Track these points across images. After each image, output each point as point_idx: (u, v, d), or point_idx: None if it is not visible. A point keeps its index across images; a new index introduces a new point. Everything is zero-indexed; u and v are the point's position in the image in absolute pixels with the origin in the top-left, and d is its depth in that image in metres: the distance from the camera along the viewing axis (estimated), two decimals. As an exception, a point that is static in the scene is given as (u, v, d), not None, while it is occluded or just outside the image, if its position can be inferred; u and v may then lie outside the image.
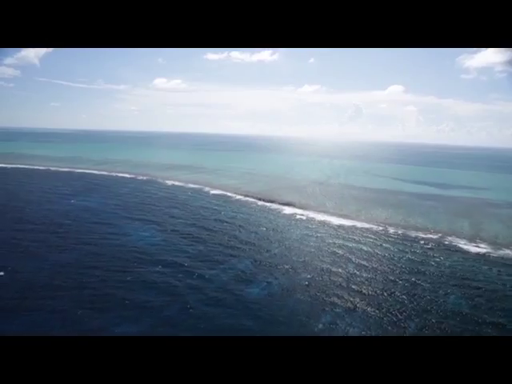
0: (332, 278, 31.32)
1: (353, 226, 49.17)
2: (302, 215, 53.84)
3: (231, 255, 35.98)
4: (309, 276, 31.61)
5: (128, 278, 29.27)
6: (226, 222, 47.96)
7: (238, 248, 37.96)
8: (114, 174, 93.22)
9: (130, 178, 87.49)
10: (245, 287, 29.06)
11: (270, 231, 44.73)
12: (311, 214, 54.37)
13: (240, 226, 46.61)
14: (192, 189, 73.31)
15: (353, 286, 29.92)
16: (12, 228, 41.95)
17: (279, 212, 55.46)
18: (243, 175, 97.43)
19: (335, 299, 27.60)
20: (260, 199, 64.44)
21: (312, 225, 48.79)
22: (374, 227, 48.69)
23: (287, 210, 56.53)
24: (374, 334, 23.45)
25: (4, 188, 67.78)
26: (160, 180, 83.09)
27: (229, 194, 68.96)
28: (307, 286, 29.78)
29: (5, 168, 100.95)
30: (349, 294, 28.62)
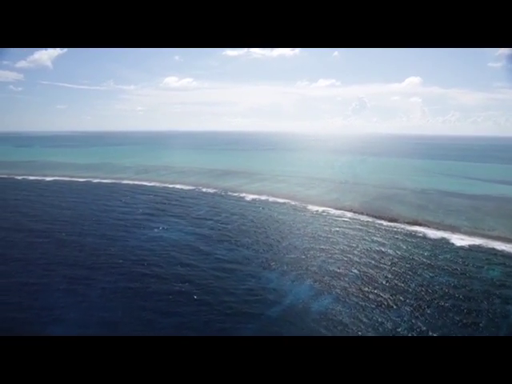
0: None
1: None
2: (459, 240, 42.84)
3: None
4: None
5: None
6: (405, 263, 36.16)
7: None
8: (168, 185, 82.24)
9: (191, 190, 76.53)
10: None
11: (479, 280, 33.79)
12: (467, 239, 43.28)
13: (429, 268, 35.61)
14: (281, 204, 62.25)
15: None
16: (157, 293, 29.14)
17: (425, 237, 44.36)
18: (314, 182, 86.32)
19: None
20: (376, 217, 53.47)
21: (494, 258, 37.80)
22: None
23: (431, 234, 45.42)
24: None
25: (72, 208, 56.74)
26: (233, 193, 71.95)
27: (331, 210, 57.95)
28: None
29: (42, 181, 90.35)
30: None
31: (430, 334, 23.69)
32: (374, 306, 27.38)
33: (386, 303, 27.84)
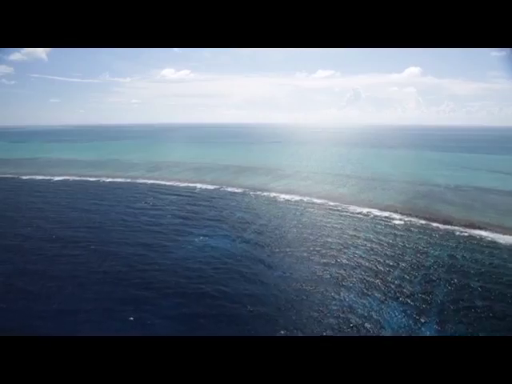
0: None
1: None
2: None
3: None
4: None
5: None
6: (491, 275, 31.69)
7: None
8: (189, 184, 77.64)
9: (216, 189, 72.17)
10: None
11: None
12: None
13: None
14: (319, 205, 58.28)
15: None
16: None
17: (495, 242, 40.86)
18: (341, 179, 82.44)
19: None
20: (428, 219, 49.76)
21: None
22: None
23: (500, 240, 41.44)
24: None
25: (97, 211, 51.26)
26: (262, 193, 67.75)
27: (375, 211, 54.13)
28: None
29: (51, 181, 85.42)
30: None
31: None
32: (486, 334, 23.77)
33: (501, 329, 24.28)
